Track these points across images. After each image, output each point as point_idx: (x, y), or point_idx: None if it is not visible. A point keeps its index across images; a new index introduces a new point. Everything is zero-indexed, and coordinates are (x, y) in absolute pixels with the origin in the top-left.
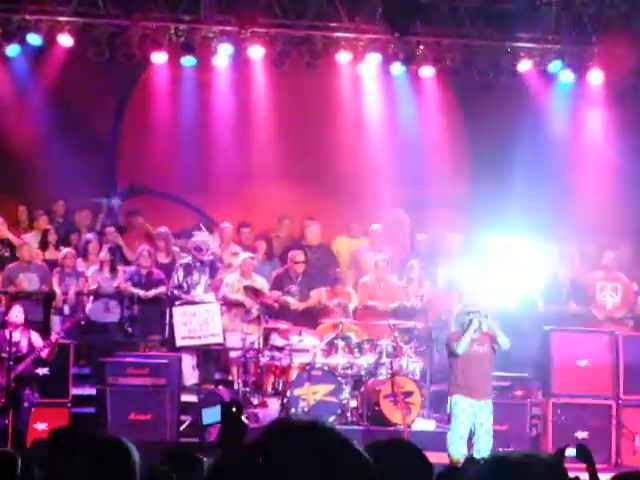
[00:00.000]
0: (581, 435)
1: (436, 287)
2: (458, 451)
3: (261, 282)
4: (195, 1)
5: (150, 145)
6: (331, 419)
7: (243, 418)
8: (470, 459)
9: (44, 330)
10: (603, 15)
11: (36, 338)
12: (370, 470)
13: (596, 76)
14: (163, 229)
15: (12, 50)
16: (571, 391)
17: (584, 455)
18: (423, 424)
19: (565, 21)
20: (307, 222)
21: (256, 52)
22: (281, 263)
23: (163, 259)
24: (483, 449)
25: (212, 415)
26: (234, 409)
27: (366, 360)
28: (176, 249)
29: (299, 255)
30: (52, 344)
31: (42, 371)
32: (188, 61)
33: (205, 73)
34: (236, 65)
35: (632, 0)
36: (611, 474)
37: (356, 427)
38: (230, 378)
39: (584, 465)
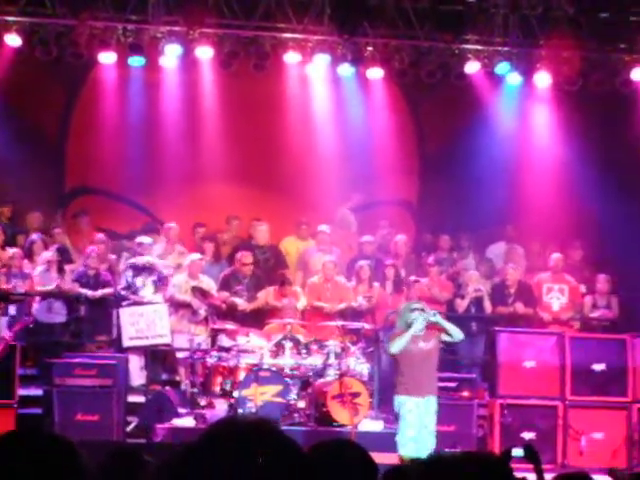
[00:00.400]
0: (528, 436)
1: (384, 288)
2: (409, 453)
3: (208, 283)
4: (143, 1)
5: (98, 145)
6: (278, 420)
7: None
8: (415, 460)
9: None
10: (550, 17)
11: None
12: (311, 470)
13: (543, 78)
14: (101, 236)
15: None
16: (518, 392)
17: (531, 455)
18: (371, 425)
19: (513, 23)
20: (255, 222)
21: (204, 53)
22: (229, 264)
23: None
24: (425, 450)
25: None
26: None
27: (314, 361)
28: (113, 256)
29: (247, 257)
30: (4, 344)
31: None
32: (136, 61)
33: (153, 73)
34: (184, 66)
35: (579, 3)
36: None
37: (303, 428)
38: (177, 379)
39: (531, 465)
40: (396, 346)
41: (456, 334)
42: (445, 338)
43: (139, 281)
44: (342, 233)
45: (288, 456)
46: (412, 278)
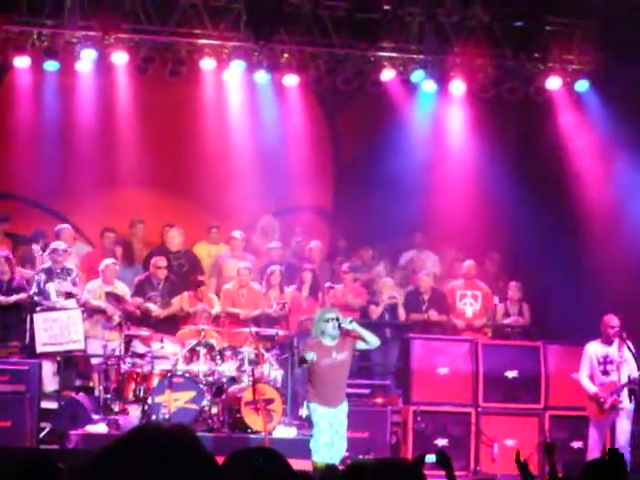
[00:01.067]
0: (441, 442)
1: (300, 292)
2: (323, 458)
3: (123, 289)
4: (59, 6)
5: (13, 149)
6: (192, 426)
7: None
8: (329, 466)
9: None
10: (465, 26)
11: None
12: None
13: (457, 86)
14: (5, 252)
15: None
16: (431, 399)
17: (443, 462)
18: (284, 431)
19: (428, 31)
20: (167, 228)
21: (120, 58)
22: (144, 269)
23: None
24: (336, 455)
25: None
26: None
27: (228, 367)
28: (20, 269)
29: (161, 261)
30: None
31: None
32: (51, 66)
33: (68, 78)
34: (100, 70)
35: (494, 11)
36: None
37: (217, 434)
38: (91, 385)
39: (443, 472)
40: (311, 356)
41: (373, 341)
42: (361, 345)
43: (51, 286)
44: (265, 240)
45: (203, 466)
46: (327, 285)
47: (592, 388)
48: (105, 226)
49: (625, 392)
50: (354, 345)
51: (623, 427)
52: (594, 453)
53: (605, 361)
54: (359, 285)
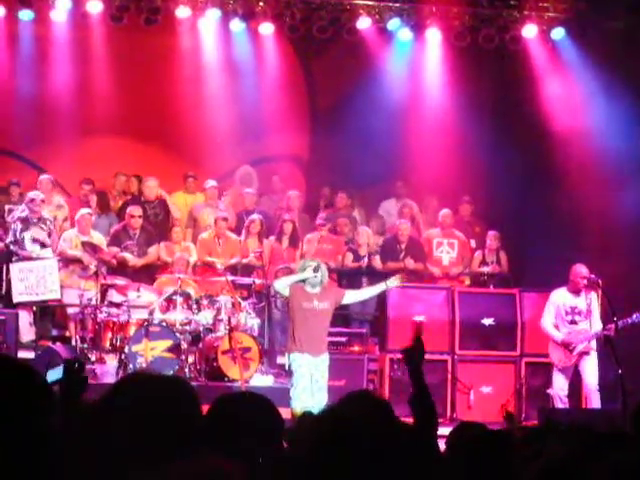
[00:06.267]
0: None
1: (280, 242)
2: (301, 405)
3: (99, 238)
4: None
5: None
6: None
7: (84, 375)
8: (307, 413)
9: None
10: None
11: None
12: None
13: (433, 34)
14: None
15: None
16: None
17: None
18: (261, 379)
19: None
20: (144, 178)
21: (94, 7)
22: (119, 219)
23: None
24: (317, 405)
25: (56, 373)
26: (76, 366)
27: (204, 316)
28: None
29: (136, 210)
30: None
31: None
32: (26, 15)
33: (43, 27)
34: (74, 19)
35: None
36: (447, 428)
37: (194, 383)
38: (67, 334)
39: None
40: (280, 283)
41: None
42: (351, 300)
43: (27, 235)
44: (242, 189)
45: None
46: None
47: (559, 335)
48: (84, 177)
49: (594, 341)
50: (339, 298)
51: (592, 370)
52: (561, 399)
53: (573, 311)
54: (334, 234)
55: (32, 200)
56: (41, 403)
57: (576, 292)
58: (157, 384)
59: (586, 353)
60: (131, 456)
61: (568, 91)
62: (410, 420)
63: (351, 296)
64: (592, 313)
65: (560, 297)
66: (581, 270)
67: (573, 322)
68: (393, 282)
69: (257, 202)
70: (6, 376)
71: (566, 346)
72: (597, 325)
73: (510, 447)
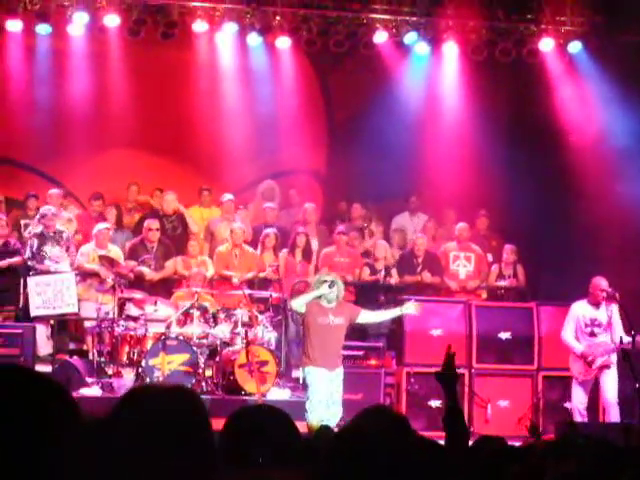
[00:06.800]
0: (434, 404)
1: (294, 256)
2: (317, 418)
3: (116, 252)
4: None
5: (6, 113)
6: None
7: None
8: (324, 427)
9: None
10: None
11: None
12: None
13: (450, 48)
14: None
15: None
16: (425, 360)
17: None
18: (278, 393)
19: None
20: (159, 191)
21: (111, 21)
22: (135, 233)
23: None
24: (332, 417)
25: None
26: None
27: (221, 330)
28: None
29: (154, 223)
30: None
31: None
32: (43, 29)
33: (60, 41)
34: (92, 34)
35: None
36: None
37: (211, 397)
38: (85, 348)
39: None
40: (297, 302)
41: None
42: (365, 320)
43: (45, 250)
44: (264, 204)
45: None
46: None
47: (580, 347)
48: (93, 192)
49: (614, 354)
50: (354, 316)
51: (612, 384)
52: (580, 413)
53: (593, 324)
54: (351, 247)
55: (44, 216)
56: (61, 414)
57: (596, 304)
58: (161, 395)
59: (607, 367)
60: (136, 466)
61: (585, 104)
62: (427, 434)
63: (366, 316)
64: (613, 325)
65: (580, 309)
66: (600, 282)
67: (592, 334)
68: (408, 309)
69: (278, 216)
70: (27, 387)
71: (585, 358)
72: (618, 337)
73: (529, 461)
